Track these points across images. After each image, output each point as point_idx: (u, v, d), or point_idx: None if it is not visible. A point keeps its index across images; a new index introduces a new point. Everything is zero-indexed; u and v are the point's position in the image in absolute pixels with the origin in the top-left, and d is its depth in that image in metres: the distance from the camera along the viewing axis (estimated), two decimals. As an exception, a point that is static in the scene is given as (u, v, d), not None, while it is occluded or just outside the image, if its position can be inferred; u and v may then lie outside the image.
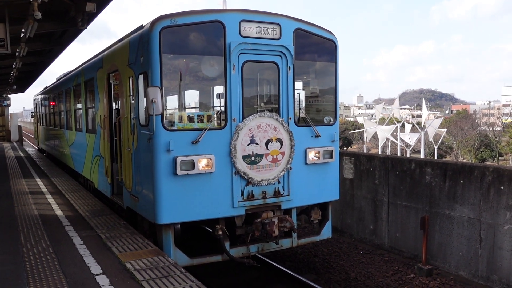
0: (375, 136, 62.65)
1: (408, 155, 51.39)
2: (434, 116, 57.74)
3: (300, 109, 8.03)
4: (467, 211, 8.56)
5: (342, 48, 8.47)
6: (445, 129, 53.67)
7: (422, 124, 55.47)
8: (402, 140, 54.84)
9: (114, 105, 9.10)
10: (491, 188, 8.17)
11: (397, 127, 57.04)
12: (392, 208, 10.17)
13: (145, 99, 6.65)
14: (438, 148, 54.86)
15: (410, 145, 54.19)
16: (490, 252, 8.21)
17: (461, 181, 8.65)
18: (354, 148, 71.03)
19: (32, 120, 32.42)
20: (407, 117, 64.73)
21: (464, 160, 54.38)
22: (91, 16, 10.08)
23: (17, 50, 11.68)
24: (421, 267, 8.89)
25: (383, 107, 65.63)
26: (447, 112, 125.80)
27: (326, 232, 8.50)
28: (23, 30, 9.59)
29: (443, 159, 50.92)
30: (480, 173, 8.36)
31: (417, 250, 9.50)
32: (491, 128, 66.58)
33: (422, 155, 50.55)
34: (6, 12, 8.80)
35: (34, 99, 25.70)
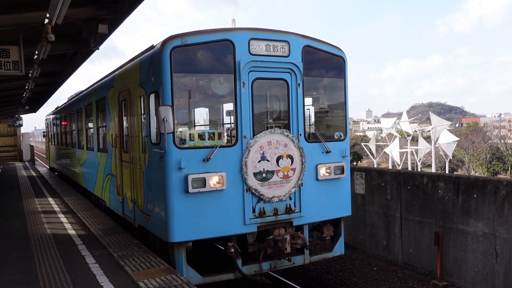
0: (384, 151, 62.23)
1: (419, 170, 50.92)
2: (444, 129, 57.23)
3: (310, 125, 8.05)
4: (482, 226, 8.44)
5: (349, 62, 8.57)
6: (455, 141, 52.96)
7: (432, 137, 54.97)
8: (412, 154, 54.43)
9: (125, 124, 9.19)
10: (505, 202, 8.06)
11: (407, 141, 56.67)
12: (405, 223, 10.06)
13: (156, 117, 6.72)
14: (450, 161, 54.31)
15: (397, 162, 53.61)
16: (506, 268, 8.06)
17: (475, 195, 8.56)
18: (364, 163, 70.62)
19: (44, 140, 32.80)
20: (416, 131, 64.31)
21: (476, 174, 53.74)
22: (103, 37, 10.27)
23: (30, 71, 11.89)
24: (436, 283, 8.74)
25: (395, 123, 65.21)
26: (457, 125, 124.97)
27: (339, 248, 8.42)
28: (36, 52, 9.78)
29: (455, 173, 50.38)
30: (494, 187, 8.27)
31: (432, 266, 9.36)
32: (502, 141, 65.88)
33: (433, 169, 50.03)
34: (20, 34, 9.00)
35: (46, 119, 26.04)
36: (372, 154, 59.35)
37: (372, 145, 58.09)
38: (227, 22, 8.04)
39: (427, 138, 58.25)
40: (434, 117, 57.82)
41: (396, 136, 56.98)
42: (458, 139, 54.43)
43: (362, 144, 61.70)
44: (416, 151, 54.58)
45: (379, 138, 64.06)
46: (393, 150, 54.48)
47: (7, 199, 13.85)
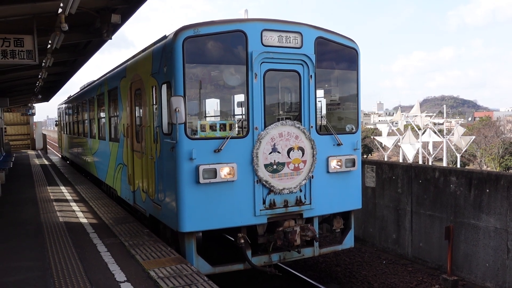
0: (396, 145, 61.73)
1: (430, 163, 50.50)
2: (458, 123, 56.58)
3: (321, 117, 8.01)
4: (494, 221, 8.36)
5: (361, 54, 8.52)
6: (473, 137, 52.28)
7: (444, 131, 54.44)
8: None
9: (137, 114, 9.23)
10: (518, 197, 7.97)
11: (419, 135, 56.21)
12: (415, 217, 10.01)
13: (168, 108, 6.74)
14: (461, 156, 53.77)
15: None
16: (518, 263, 7.99)
17: (487, 190, 8.47)
18: (374, 156, 70.22)
19: (56, 129, 33.15)
20: (428, 124, 63.79)
21: (488, 168, 53.10)
22: (116, 27, 10.27)
23: (44, 60, 11.96)
24: (446, 278, 8.71)
25: (402, 114, 64.61)
26: (469, 119, 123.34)
27: (348, 241, 8.42)
28: (49, 42, 9.83)
29: (467, 167, 49.84)
30: (507, 182, 8.18)
31: (442, 261, 9.32)
32: (516, 136, 64.96)
33: (444, 163, 49.59)
34: (34, 24, 9.05)
35: (58, 108, 26.27)
36: (383, 147, 58.96)
37: (385, 139, 57.61)
38: (240, 13, 8.01)
39: (439, 132, 57.66)
40: (446, 111, 57.32)
41: (407, 130, 56.50)
42: (473, 137, 53.63)
43: (375, 138, 61.16)
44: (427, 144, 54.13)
45: (390, 131, 63.56)
46: (404, 144, 54.01)
47: (20, 187, 14.05)
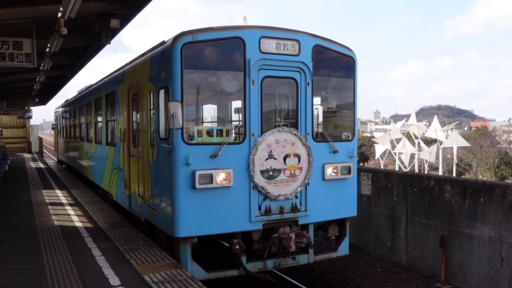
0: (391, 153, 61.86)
1: (426, 172, 50.62)
2: (453, 129, 56.72)
3: (318, 124, 8.05)
4: (488, 230, 8.40)
5: (358, 62, 8.56)
6: (456, 146, 52.27)
7: (445, 140, 54.61)
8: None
9: (134, 119, 9.25)
10: (512, 207, 8.02)
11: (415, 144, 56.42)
12: (410, 225, 10.04)
13: (165, 113, 6.77)
14: (457, 165, 53.94)
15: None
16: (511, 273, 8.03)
17: (482, 200, 8.52)
18: (370, 164, 70.34)
19: (52, 132, 33.10)
20: (424, 133, 64.02)
21: (484, 178, 53.23)
22: (115, 32, 10.33)
23: (42, 64, 12.00)
24: (441, 286, 8.73)
25: (402, 124, 64.94)
26: (465, 129, 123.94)
27: (343, 248, 8.43)
28: (48, 45, 9.87)
29: (462, 176, 49.98)
30: (501, 191, 8.23)
31: (436, 269, 9.34)
32: (511, 146, 65.31)
33: (440, 172, 49.71)
34: (33, 27, 9.09)
35: (55, 112, 26.23)
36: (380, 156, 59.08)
37: (382, 147, 57.74)
38: (238, 20, 8.08)
39: (432, 142, 57.89)
40: (435, 121, 57.78)
41: (403, 138, 56.70)
42: (457, 147, 53.75)
43: (375, 145, 61.31)
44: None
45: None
46: (401, 153, 54.19)
47: (15, 190, 14.00)
